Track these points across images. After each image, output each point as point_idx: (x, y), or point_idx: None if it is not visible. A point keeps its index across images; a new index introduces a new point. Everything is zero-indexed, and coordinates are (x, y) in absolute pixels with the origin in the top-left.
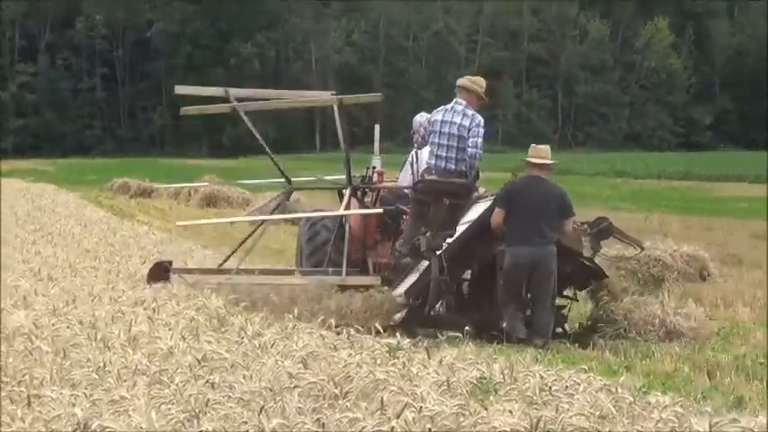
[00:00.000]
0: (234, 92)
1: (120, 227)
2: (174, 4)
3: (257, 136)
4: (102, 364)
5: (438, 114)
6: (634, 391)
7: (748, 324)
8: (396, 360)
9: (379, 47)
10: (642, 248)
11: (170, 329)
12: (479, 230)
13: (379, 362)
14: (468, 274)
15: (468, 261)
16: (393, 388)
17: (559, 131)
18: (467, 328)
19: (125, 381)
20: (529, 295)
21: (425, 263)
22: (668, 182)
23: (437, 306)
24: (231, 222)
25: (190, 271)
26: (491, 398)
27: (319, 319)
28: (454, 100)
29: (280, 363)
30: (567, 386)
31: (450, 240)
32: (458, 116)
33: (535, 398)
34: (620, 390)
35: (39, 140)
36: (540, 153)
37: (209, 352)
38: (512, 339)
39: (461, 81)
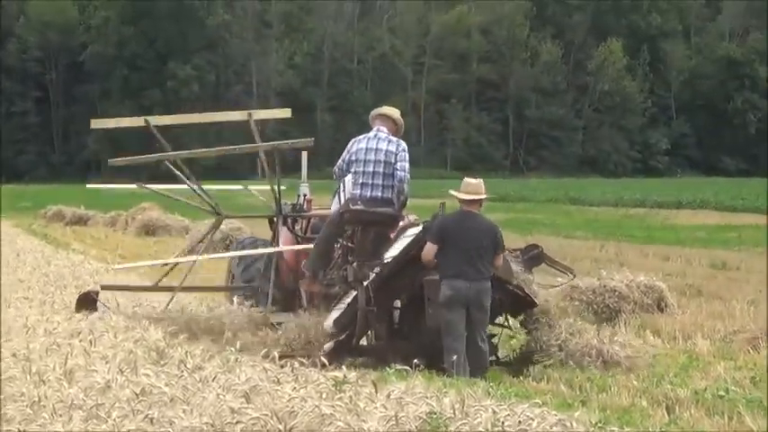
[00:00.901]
0: (153, 120)
1: (54, 256)
2: (111, 25)
3: (176, 171)
4: (36, 399)
5: (361, 143)
6: (590, 426)
7: (708, 357)
8: (342, 394)
9: (322, 69)
10: (573, 275)
11: (107, 362)
12: (406, 260)
13: (324, 396)
14: (398, 303)
15: (396, 291)
16: (340, 423)
17: (511, 156)
18: (415, 360)
19: (61, 416)
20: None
21: (354, 293)
22: (624, 209)
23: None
24: (166, 264)
25: (124, 288)
26: None
27: (262, 352)
28: (375, 128)
29: (221, 397)
30: (520, 421)
31: (376, 270)
32: (383, 143)
33: None
34: (575, 425)
35: None
36: (473, 188)
37: (148, 386)
38: (457, 372)
39: (383, 110)
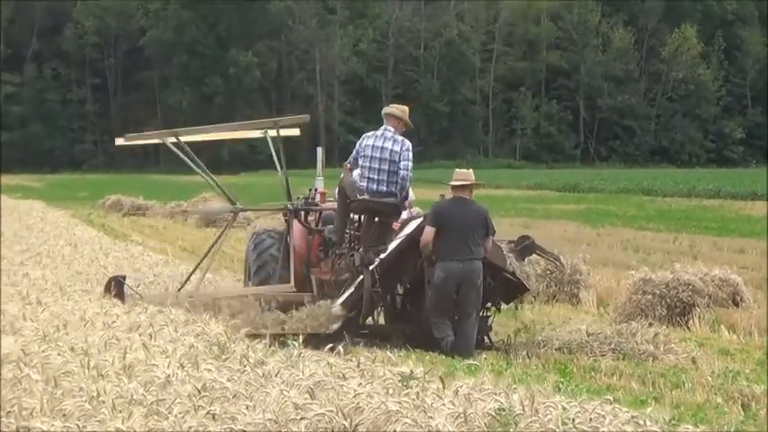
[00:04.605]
0: (182, 137)
1: (112, 247)
2: (170, 9)
3: (192, 165)
4: (95, 394)
5: (369, 140)
6: (663, 423)
7: None
8: (409, 390)
9: (387, 56)
10: (562, 265)
11: (167, 357)
12: (409, 246)
13: (391, 392)
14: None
15: (399, 274)
16: (406, 420)
17: (581, 146)
18: (484, 356)
19: (120, 411)
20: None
21: (361, 277)
22: (698, 200)
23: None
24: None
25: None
26: (511, 430)
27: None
28: (383, 127)
29: (285, 393)
30: (591, 418)
31: (382, 255)
32: (388, 142)
33: (558, 431)
34: (648, 422)
35: (25, 155)
36: (462, 176)
37: (210, 381)
38: (442, 347)
39: (390, 110)
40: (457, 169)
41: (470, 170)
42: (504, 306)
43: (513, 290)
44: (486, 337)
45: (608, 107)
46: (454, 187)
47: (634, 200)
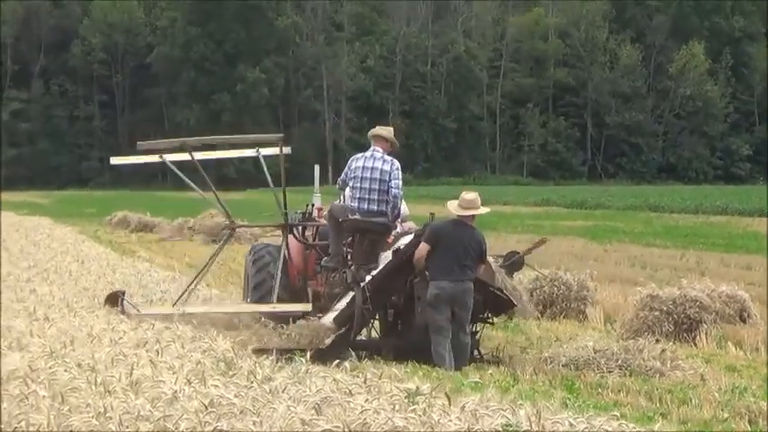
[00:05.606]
0: (168, 157)
1: (119, 264)
2: (178, 26)
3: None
4: (102, 410)
5: (359, 161)
6: None
7: None
8: (415, 406)
9: (395, 72)
10: (545, 277)
11: (174, 373)
12: (399, 264)
13: (397, 408)
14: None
15: (390, 291)
16: None
17: (589, 163)
18: (489, 371)
19: (127, 427)
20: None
21: (351, 293)
22: (705, 217)
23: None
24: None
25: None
26: None
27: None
28: (372, 148)
29: (292, 409)
30: None
31: (373, 273)
32: (378, 162)
33: None
34: None
35: (32, 171)
36: (467, 204)
37: (217, 397)
38: (438, 364)
39: (377, 131)
40: (464, 194)
41: (476, 196)
42: (495, 320)
43: (501, 305)
44: (476, 350)
45: (615, 124)
46: (460, 209)
47: (641, 216)
